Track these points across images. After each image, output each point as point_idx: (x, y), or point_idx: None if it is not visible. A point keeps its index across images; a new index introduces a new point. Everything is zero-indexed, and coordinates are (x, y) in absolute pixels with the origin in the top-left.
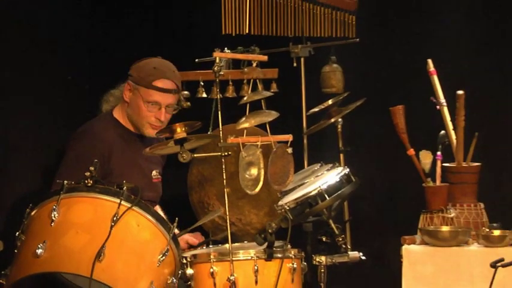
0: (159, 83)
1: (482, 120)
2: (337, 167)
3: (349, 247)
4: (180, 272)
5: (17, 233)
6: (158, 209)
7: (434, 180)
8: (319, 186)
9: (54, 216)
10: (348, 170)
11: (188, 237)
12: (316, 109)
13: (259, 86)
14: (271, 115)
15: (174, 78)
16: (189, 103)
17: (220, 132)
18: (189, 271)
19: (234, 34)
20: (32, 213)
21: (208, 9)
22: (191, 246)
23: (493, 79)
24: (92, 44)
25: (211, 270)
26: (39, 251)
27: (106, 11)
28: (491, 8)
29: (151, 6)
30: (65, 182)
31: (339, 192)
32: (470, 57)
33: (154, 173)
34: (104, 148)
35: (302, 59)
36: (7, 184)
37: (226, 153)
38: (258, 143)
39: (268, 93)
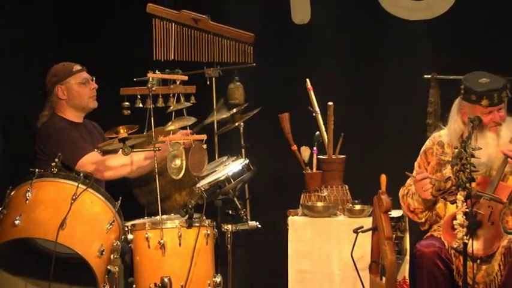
0: (75, 67)
1: (347, 124)
2: (240, 158)
3: (249, 218)
4: (123, 237)
5: (0, 208)
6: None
7: (311, 168)
8: (227, 173)
9: (28, 196)
10: (247, 161)
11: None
12: (224, 116)
13: (182, 99)
14: (191, 120)
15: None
16: (129, 111)
17: (153, 132)
18: (130, 236)
19: (162, 60)
20: (12, 193)
21: (143, 41)
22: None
23: (354, 93)
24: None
25: (146, 235)
26: (16, 222)
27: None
28: (355, 39)
29: (103, 35)
30: (36, 170)
31: (241, 177)
32: (338, 77)
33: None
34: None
35: (213, 79)
36: None
37: (157, 149)
38: (181, 141)
39: (188, 104)
